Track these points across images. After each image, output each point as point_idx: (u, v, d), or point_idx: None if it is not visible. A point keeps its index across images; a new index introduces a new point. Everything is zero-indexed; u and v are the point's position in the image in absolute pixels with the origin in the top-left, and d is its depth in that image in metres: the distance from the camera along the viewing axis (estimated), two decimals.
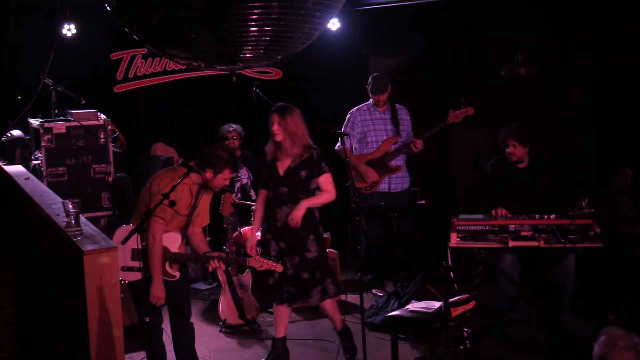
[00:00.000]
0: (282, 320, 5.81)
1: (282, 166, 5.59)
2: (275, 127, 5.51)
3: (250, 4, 3.39)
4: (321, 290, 5.62)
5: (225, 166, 5.06)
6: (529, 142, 6.28)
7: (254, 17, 3.46)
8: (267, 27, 3.53)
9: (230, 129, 7.54)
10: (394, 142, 7.14)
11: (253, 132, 7.83)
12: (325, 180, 5.60)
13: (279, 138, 5.52)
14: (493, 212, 6.13)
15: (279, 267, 5.40)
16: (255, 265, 5.33)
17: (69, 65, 7.36)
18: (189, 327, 5.33)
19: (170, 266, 5.10)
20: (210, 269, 5.19)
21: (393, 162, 7.14)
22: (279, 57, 4.15)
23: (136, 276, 5.01)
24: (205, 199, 5.22)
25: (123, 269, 5.00)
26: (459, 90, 8.04)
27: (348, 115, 7.32)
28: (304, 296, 5.63)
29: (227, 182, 5.14)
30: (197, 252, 5.25)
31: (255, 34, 3.56)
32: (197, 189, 5.12)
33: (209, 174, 5.06)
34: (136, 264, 5.00)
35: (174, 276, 5.11)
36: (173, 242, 5.09)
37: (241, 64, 4.01)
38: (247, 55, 3.79)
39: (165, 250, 5.05)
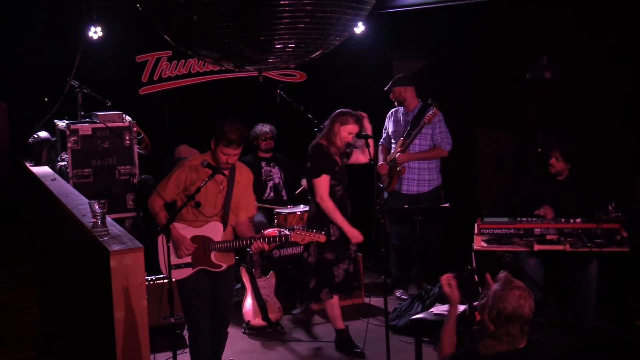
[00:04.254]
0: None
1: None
2: None
3: (281, 2, 3.38)
4: None
5: (220, 138, 4.91)
6: (572, 160, 6.24)
7: (285, 16, 3.46)
8: (297, 27, 3.52)
9: (267, 129, 7.67)
10: (402, 144, 7.13)
11: (278, 134, 7.87)
12: None
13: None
14: (541, 211, 6.12)
15: (322, 238, 5.32)
16: (298, 239, 5.22)
17: (95, 68, 7.42)
18: (224, 337, 5.31)
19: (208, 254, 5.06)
20: (254, 250, 5.12)
21: (399, 165, 7.13)
22: (309, 57, 4.14)
23: (184, 273, 4.98)
24: (240, 188, 5.07)
25: (171, 267, 4.92)
26: (483, 94, 8.01)
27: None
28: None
29: (229, 159, 4.93)
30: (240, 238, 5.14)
31: (285, 34, 3.56)
32: (221, 178, 5.01)
33: (212, 145, 4.99)
34: (182, 260, 4.97)
35: (220, 266, 5.06)
36: (215, 231, 5.03)
37: (269, 65, 4.01)
38: (276, 55, 3.78)
39: (209, 240, 5.01)
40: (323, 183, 5.77)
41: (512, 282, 3.77)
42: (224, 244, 5.04)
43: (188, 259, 4.97)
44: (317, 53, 3.91)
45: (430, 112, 6.90)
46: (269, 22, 3.47)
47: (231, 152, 4.91)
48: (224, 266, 5.10)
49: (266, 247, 5.06)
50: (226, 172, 4.99)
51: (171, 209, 5.09)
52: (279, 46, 3.64)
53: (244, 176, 5.12)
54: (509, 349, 3.70)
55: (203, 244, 5.00)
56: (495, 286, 3.78)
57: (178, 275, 4.99)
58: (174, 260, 4.93)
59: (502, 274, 3.88)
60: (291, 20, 3.49)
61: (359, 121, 5.85)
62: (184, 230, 4.95)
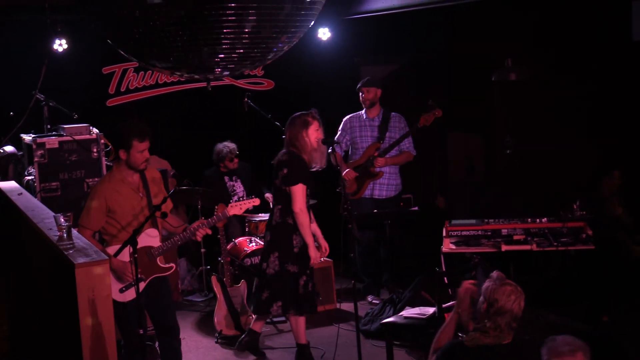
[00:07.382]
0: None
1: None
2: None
3: (227, 12, 3.40)
4: None
5: (131, 138, 4.90)
6: None
7: (230, 26, 3.47)
8: (243, 36, 3.54)
9: (231, 147, 7.72)
10: (377, 148, 7.14)
11: (247, 143, 7.88)
12: None
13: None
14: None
15: (255, 201, 5.44)
16: (236, 211, 5.30)
17: (61, 81, 7.36)
18: (178, 344, 5.27)
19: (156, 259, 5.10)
20: (199, 238, 5.15)
21: (377, 169, 7.14)
22: (257, 64, 4.17)
23: (133, 295, 4.91)
24: (154, 186, 5.10)
25: (121, 290, 4.94)
26: (452, 97, 8.06)
27: (342, 123, 7.38)
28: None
29: (147, 155, 4.97)
30: (177, 233, 5.15)
31: (231, 43, 3.58)
32: (138, 182, 5.05)
33: (123, 155, 4.96)
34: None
35: (171, 267, 5.10)
36: (152, 237, 5.05)
37: (216, 73, 4.02)
38: (222, 64, 3.80)
39: (149, 248, 5.02)
40: (300, 192, 5.65)
41: (505, 279, 3.86)
42: (166, 245, 5.08)
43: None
44: (269, 57, 3.93)
45: (431, 113, 6.90)
46: (215, 29, 3.48)
47: (146, 146, 4.96)
48: (174, 267, 5.15)
49: (209, 231, 5.13)
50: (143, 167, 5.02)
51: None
52: (225, 53, 3.65)
53: (152, 173, 5.18)
54: (494, 342, 3.77)
55: (146, 254, 5.02)
56: (487, 282, 3.87)
57: (130, 296, 4.93)
58: (124, 282, 4.96)
59: (494, 273, 3.95)
60: (237, 29, 3.51)
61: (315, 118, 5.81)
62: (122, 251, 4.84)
